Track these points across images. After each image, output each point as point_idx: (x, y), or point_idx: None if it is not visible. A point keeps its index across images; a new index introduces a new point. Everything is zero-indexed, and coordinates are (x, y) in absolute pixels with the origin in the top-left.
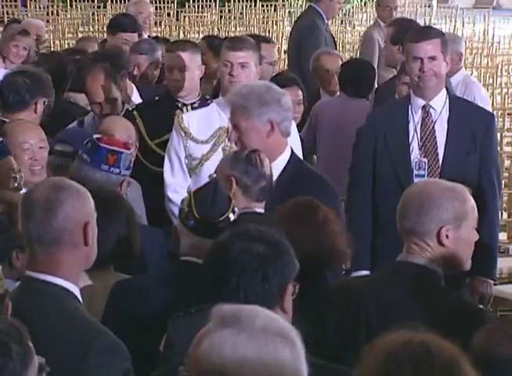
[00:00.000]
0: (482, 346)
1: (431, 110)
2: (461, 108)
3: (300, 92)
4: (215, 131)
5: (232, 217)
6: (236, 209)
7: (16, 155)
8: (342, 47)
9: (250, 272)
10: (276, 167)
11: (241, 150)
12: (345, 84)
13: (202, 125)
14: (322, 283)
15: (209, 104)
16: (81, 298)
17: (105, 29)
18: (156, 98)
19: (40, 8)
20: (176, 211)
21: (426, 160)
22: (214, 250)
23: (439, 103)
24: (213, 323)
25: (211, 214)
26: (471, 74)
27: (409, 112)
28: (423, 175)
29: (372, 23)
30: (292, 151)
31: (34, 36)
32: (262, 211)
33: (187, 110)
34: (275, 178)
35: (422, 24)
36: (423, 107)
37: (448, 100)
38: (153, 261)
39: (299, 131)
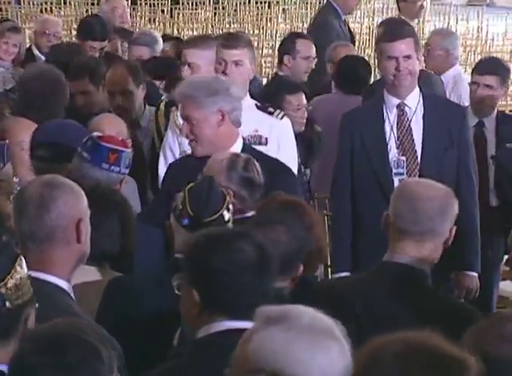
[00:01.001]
0: (473, 345)
1: (406, 108)
2: (435, 104)
3: (304, 97)
4: None
5: (226, 215)
6: (230, 207)
7: (16, 154)
8: None
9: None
10: None
11: (236, 156)
12: (341, 82)
13: None
14: (307, 282)
15: None
16: (73, 296)
17: None
18: None
19: (34, 5)
20: None
21: (404, 158)
22: (195, 251)
23: (413, 101)
24: (259, 322)
25: (205, 212)
26: (465, 72)
27: (384, 111)
28: (402, 174)
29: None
30: (244, 141)
31: (52, 33)
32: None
33: None
34: None
35: (416, 22)
36: (398, 106)
37: (421, 98)
38: (150, 260)
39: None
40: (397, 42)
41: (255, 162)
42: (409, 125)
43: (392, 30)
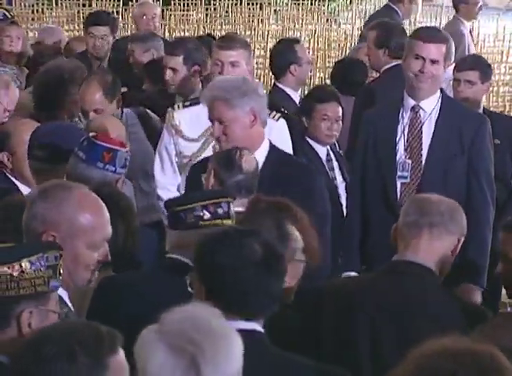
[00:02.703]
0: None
1: (421, 111)
2: (452, 110)
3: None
4: (206, 129)
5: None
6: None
7: (21, 153)
8: (328, 45)
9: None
10: (261, 156)
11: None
12: (338, 83)
13: (193, 123)
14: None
15: (199, 103)
16: (69, 303)
17: None
18: None
19: (25, 6)
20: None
21: (410, 161)
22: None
23: (430, 105)
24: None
25: (179, 201)
26: None
27: (400, 112)
28: (406, 177)
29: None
30: (270, 141)
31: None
32: (238, 209)
33: (178, 107)
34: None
35: (407, 23)
36: (413, 108)
37: (440, 102)
38: (146, 261)
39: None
40: (429, 44)
41: (243, 150)
42: (421, 128)
43: (429, 30)
